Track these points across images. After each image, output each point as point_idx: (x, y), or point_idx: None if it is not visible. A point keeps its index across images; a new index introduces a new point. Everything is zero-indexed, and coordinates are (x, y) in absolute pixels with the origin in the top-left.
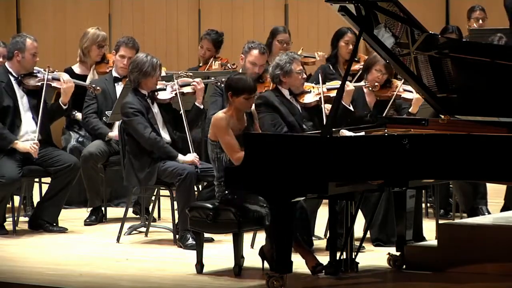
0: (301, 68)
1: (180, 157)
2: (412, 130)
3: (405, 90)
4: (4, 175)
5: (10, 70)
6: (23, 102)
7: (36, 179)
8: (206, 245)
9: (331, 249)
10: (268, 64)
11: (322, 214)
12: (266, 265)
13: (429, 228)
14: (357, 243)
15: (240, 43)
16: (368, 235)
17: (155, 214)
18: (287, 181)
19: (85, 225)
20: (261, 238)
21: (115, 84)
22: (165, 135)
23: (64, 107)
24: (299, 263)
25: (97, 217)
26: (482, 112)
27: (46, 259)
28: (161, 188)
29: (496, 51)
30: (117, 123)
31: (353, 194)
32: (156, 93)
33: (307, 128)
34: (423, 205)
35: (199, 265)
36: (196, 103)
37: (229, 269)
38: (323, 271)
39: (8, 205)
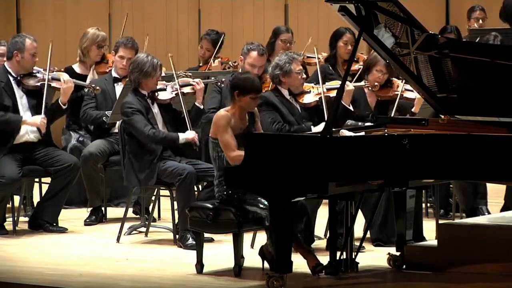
0: (300, 68)
1: (181, 135)
2: (412, 130)
3: (406, 90)
4: (4, 175)
5: (10, 70)
6: (22, 102)
7: (36, 179)
8: (206, 245)
9: (331, 249)
10: (268, 64)
11: (322, 214)
12: (266, 265)
13: (429, 228)
14: (357, 243)
15: (240, 43)
16: (368, 235)
17: (155, 214)
18: (287, 181)
19: (85, 225)
20: (261, 238)
21: (115, 85)
22: None
23: (64, 107)
24: (299, 263)
25: (97, 217)
26: (482, 112)
27: (46, 259)
28: (161, 188)
29: (496, 51)
30: (117, 123)
31: (353, 194)
32: (156, 94)
33: (306, 128)
34: (423, 205)
35: (199, 265)
36: (196, 103)
37: (229, 269)
38: (323, 271)
39: (8, 205)
